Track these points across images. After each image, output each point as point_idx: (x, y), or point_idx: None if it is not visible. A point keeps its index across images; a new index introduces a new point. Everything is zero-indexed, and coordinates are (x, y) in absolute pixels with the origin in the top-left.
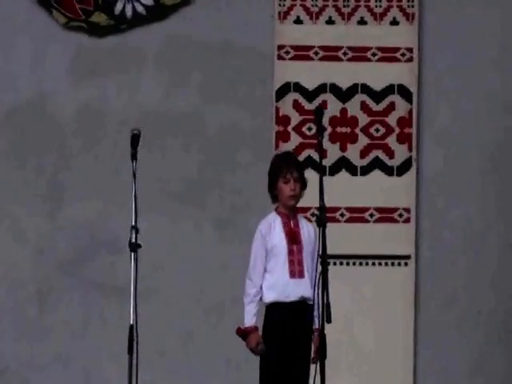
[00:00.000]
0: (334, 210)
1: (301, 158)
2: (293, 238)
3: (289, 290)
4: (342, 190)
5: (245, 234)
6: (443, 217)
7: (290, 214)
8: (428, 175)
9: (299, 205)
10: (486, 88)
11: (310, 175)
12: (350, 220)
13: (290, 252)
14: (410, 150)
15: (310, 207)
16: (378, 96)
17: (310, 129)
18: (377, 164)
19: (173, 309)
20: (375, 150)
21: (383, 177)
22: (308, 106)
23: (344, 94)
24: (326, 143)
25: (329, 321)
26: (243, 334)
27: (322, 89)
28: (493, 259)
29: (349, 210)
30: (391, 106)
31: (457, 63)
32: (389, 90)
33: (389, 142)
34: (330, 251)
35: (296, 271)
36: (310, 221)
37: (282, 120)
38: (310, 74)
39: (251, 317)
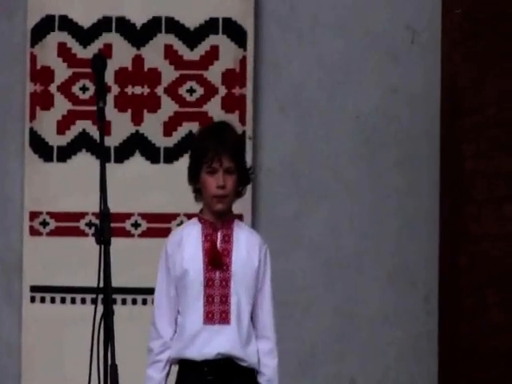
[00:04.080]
0: (123, 217)
1: (71, 133)
2: (215, 259)
3: (200, 342)
4: (136, 186)
5: None
6: (295, 229)
7: (218, 222)
8: (271, 163)
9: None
10: (362, 24)
11: (85, 161)
12: (148, 233)
13: (209, 282)
14: (244, 122)
15: (84, 212)
16: (192, 37)
17: (84, 89)
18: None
19: None
20: (188, 122)
21: None
22: (82, 53)
23: (138, 35)
24: (110, 111)
25: None
26: None
27: (103, 25)
28: (373, 294)
29: (146, 217)
30: (213, 53)
31: None
32: (209, 27)
33: (209, 110)
34: (118, 283)
35: (215, 313)
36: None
37: (41, 75)
38: (85, 3)
39: None
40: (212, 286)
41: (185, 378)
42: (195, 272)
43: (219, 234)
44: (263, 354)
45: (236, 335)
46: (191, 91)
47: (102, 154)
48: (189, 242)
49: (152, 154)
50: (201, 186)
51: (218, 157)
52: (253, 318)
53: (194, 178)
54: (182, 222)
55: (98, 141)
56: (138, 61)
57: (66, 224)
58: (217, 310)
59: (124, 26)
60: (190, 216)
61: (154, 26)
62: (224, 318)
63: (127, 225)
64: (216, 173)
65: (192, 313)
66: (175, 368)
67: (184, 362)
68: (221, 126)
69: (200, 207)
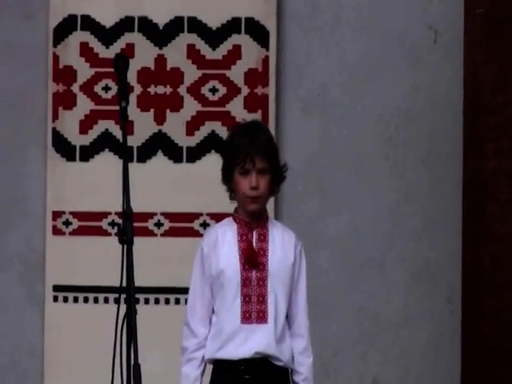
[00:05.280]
0: (146, 216)
1: (94, 133)
2: (252, 258)
3: (238, 342)
4: (159, 186)
5: None
6: (318, 229)
7: (253, 221)
8: (294, 163)
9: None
10: (384, 24)
11: (107, 161)
12: (171, 233)
13: (246, 282)
14: (266, 122)
15: (106, 212)
16: (214, 36)
17: (106, 88)
18: (213, 144)
19: None
20: (210, 121)
21: None
22: (104, 53)
23: (161, 34)
24: (133, 111)
25: None
26: None
27: (125, 25)
28: (396, 294)
29: (169, 216)
30: (235, 53)
31: None
32: (232, 26)
33: (232, 110)
34: (141, 282)
35: (253, 312)
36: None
37: (64, 75)
38: (107, 3)
39: None
40: (249, 285)
41: (220, 377)
42: (232, 272)
43: (254, 233)
44: (299, 353)
45: (272, 334)
46: (214, 91)
47: (124, 153)
48: (224, 242)
49: (174, 153)
50: (234, 186)
51: (251, 157)
52: (287, 315)
53: (227, 178)
54: (204, 222)
55: (121, 140)
56: (160, 60)
57: (88, 223)
58: (254, 310)
59: (146, 26)
60: (212, 215)
61: (176, 26)
62: (261, 318)
63: (150, 224)
64: (249, 173)
65: (229, 313)
66: (208, 369)
67: (219, 361)
68: (253, 125)
69: (234, 206)
